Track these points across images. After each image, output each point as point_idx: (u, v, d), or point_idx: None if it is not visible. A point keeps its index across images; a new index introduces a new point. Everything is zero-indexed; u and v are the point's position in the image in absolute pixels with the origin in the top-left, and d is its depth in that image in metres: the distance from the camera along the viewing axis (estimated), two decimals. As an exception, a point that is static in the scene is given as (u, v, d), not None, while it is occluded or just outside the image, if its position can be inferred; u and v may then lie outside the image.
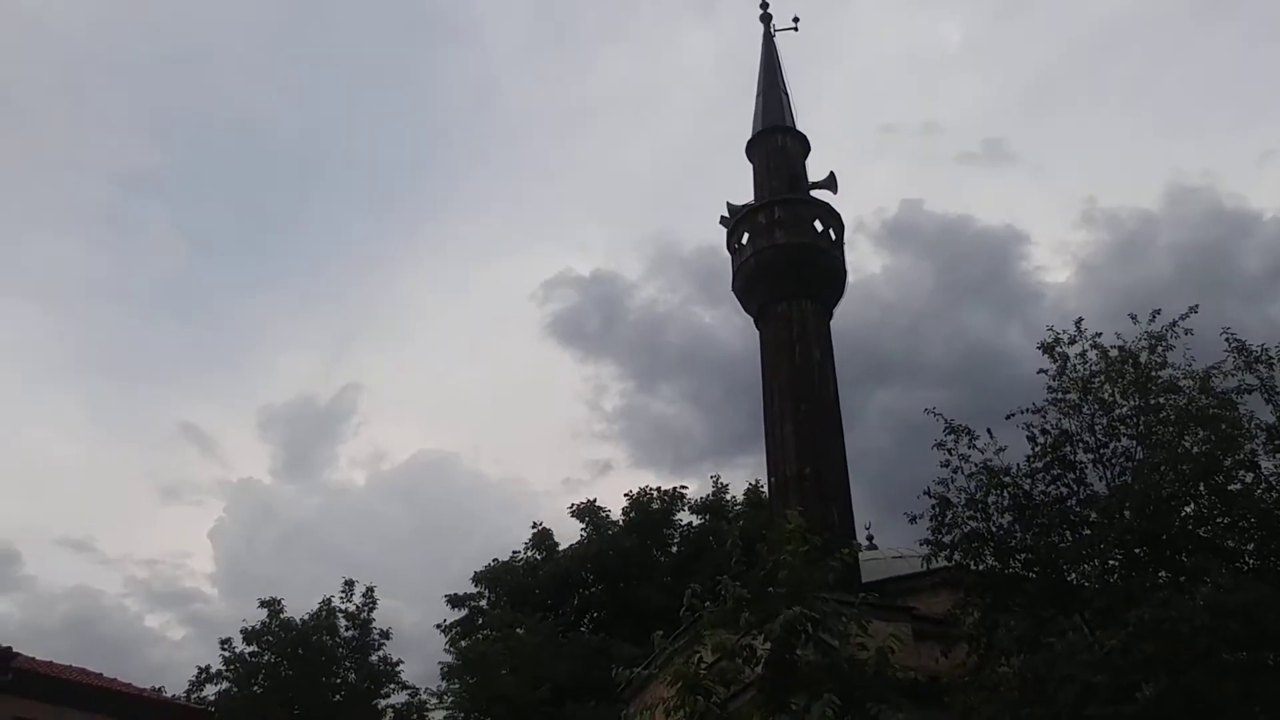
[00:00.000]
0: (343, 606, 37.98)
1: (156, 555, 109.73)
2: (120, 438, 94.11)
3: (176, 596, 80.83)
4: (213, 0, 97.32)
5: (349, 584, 38.39)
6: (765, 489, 25.07)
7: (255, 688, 35.28)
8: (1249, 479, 15.59)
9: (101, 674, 22.35)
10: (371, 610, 38.37)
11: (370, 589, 38.56)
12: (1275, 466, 15.71)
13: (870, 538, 29.35)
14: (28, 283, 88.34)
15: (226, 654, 35.96)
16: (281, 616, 36.72)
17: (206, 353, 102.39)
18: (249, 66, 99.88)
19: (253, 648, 36.16)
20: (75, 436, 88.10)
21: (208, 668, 35.89)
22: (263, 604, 36.81)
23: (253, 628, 36.26)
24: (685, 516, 36.96)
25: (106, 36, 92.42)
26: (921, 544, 17.66)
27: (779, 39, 30.63)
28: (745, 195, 27.61)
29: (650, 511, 36.14)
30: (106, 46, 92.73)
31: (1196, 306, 17.10)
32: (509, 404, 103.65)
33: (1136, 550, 15.61)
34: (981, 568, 16.91)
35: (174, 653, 64.67)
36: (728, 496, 37.61)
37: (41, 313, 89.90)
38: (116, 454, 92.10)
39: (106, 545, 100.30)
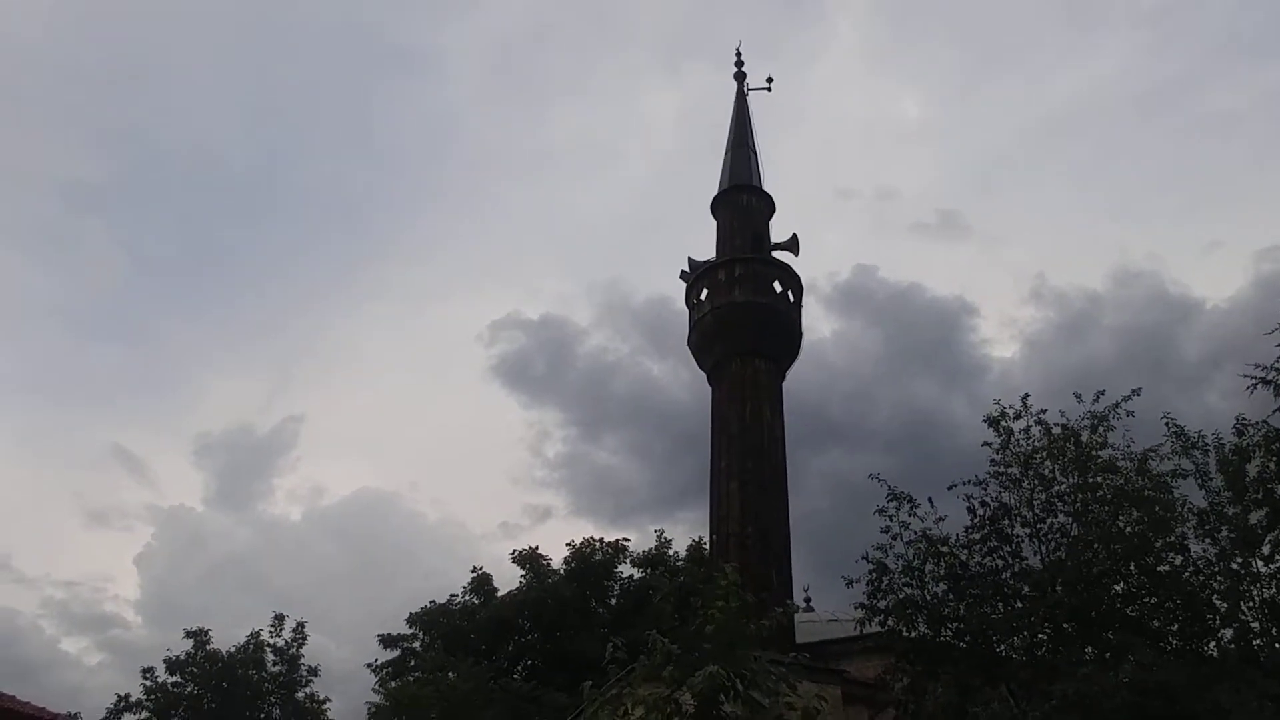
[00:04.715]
0: (271, 641, 37.50)
1: (77, 578, 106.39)
2: (49, 457, 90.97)
3: (95, 621, 77.42)
4: (171, 20, 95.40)
5: (279, 618, 38.04)
6: (707, 545, 25.06)
7: (175, 719, 34.59)
8: (1178, 561, 15.91)
9: (14, 696, 21.75)
10: (301, 646, 37.95)
11: (301, 624, 38.24)
12: (1204, 551, 16.01)
13: (808, 599, 29.46)
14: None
15: (148, 683, 35.27)
16: (208, 648, 36.13)
17: (143, 375, 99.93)
18: (205, 89, 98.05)
19: (176, 678, 35.51)
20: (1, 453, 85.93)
21: (127, 696, 35.19)
22: (189, 634, 36.29)
23: (177, 657, 35.66)
24: (627, 569, 36.80)
25: (58, 46, 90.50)
26: (857, 608, 17.74)
27: (750, 98, 30.57)
28: (702, 250, 27.67)
29: (592, 562, 35.91)
30: (58, 56, 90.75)
31: (1139, 389, 17.42)
32: (450, 445, 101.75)
33: (1065, 625, 15.77)
34: (914, 634, 17.01)
35: (89, 679, 62.45)
36: (670, 551, 37.49)
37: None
38: (43, 473, 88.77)
39: (25, 564, 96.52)
